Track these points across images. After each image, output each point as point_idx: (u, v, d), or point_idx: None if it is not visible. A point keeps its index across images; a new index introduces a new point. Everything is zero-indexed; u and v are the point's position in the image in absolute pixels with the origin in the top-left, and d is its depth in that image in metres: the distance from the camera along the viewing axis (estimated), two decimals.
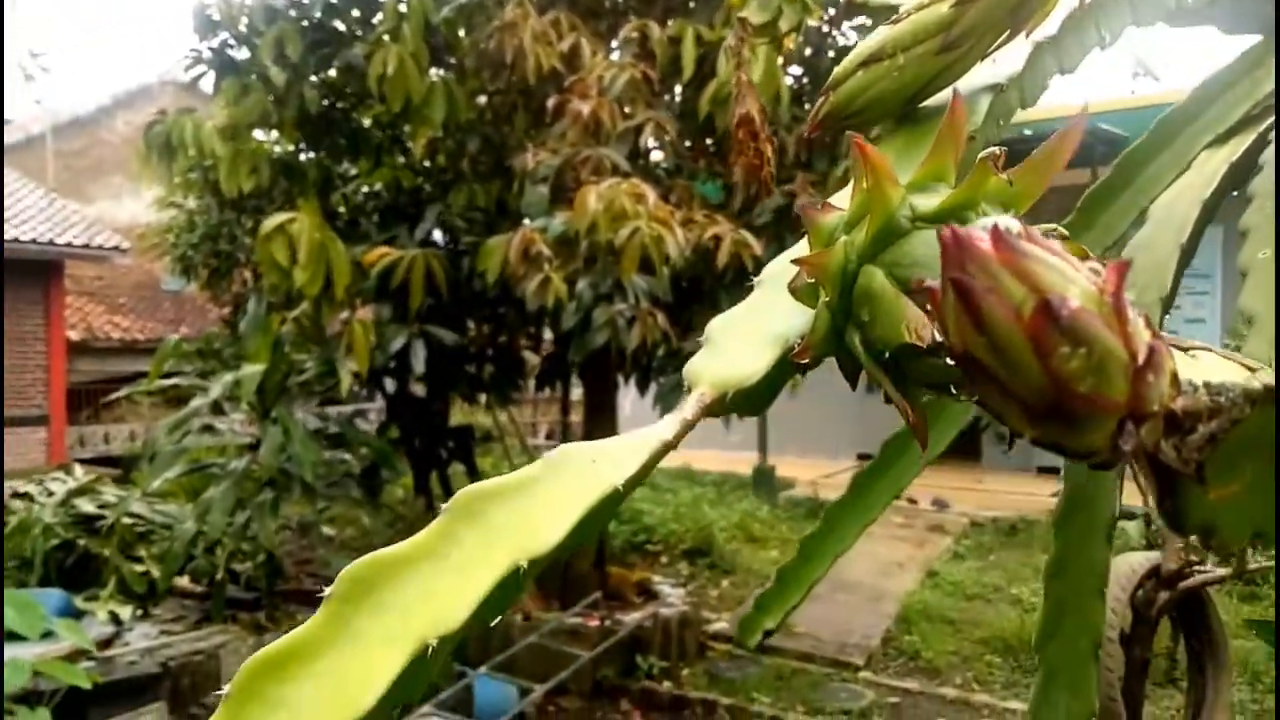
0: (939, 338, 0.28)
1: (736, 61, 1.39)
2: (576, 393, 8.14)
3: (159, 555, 5.73)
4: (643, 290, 4.15)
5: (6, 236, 10.98)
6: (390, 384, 6.59)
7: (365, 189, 6.39)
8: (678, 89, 5.25)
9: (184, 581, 5.98)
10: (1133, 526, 5.43)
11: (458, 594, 0.40)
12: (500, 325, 6.12)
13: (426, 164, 5.99)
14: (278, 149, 6.06)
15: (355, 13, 5.46)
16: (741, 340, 0.49)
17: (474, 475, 6.93)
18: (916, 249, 0.41)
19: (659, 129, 4.39)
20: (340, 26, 5.46)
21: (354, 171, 6.45)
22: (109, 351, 13.82)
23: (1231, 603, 6.09)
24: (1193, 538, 0.30)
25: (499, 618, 0.43)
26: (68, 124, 17.19)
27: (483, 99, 5.53)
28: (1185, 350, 0.28)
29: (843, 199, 0.49)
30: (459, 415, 8.55)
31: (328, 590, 0.41)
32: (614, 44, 5.14)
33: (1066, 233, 0.35)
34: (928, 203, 0.42)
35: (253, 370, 4.79)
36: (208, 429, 5.13)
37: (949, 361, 0.42)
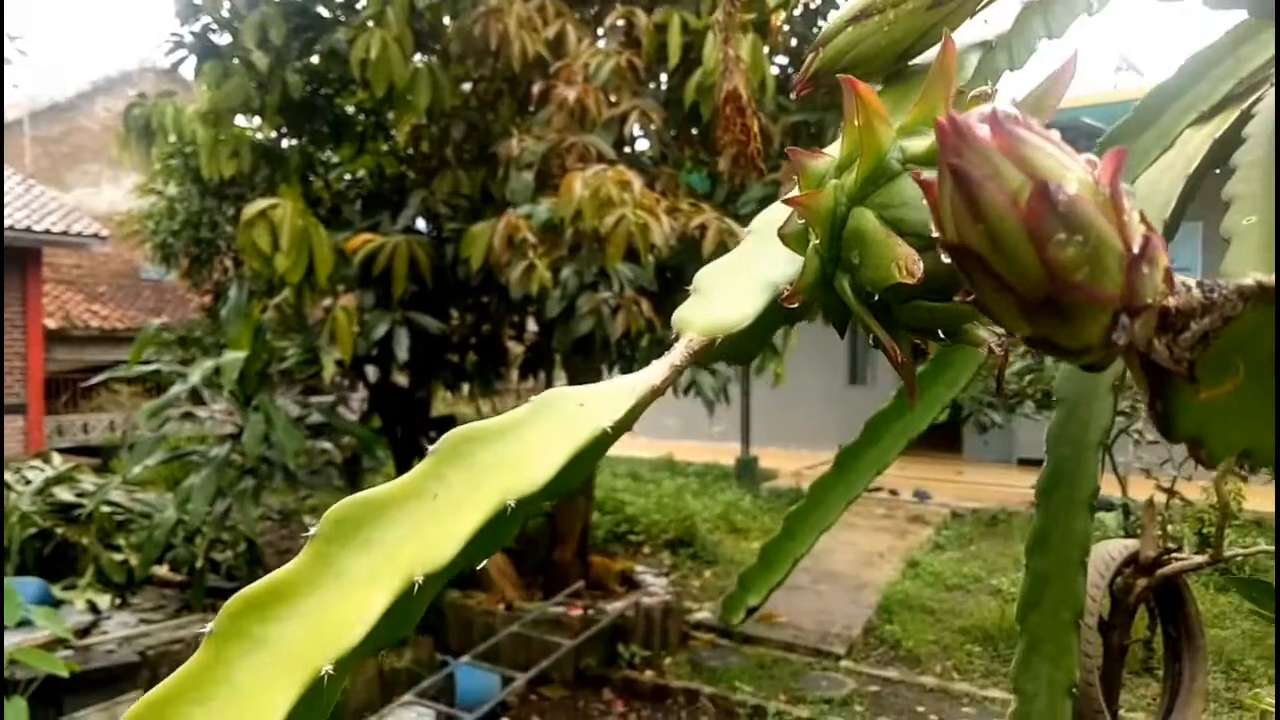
0: (935, 232, 0.28)
1: (724, 36, 1.38)
2: (560, 382, 8.13)
3: (138, 544, 5.68)
4: (627, 279, 4.14)
5: None
6: (373, 373, 6.55)
7: (348, 176, 6.34)
8: (663, 77, 5.24)
9: (163, 570, 5.93)
10: (1110, 518, 5.48)
11: (445, 532, 0.40)
12: (484, 314, 6.10)
13: (410, 151, 5.95)
14: (259, 135, 6.01)
15: None
16: (730, 288, 0.49)
17: None
18: (907, 190, 0.41)
19: (644, 117, 4.38)
20: (323, 11, 5.41)
21: (336, 159, 6.41)
22: (87, 340, 13.67)
23: (1208, 594, 6.16)
24: (1181, 444, 0.30)
25: (486, 559, 0.43)
26: (46, 110, 16.97)
27: (467, 86, 5.50)
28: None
29: (833, 150, 0.49)
30: (441, 406, 8.53)
31: (312, 530, 0.40)
32: (599, 31, 5.12)
33: None
34: (919, 145, 0.42)
35: (234, 357, 4.75)
36: (188, 416, 5.08)
37: (940, 302, 0.42)
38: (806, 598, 6.53)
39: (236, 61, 5.29)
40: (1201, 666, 1.97)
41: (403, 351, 4.87)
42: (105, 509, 5.96)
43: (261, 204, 4.53)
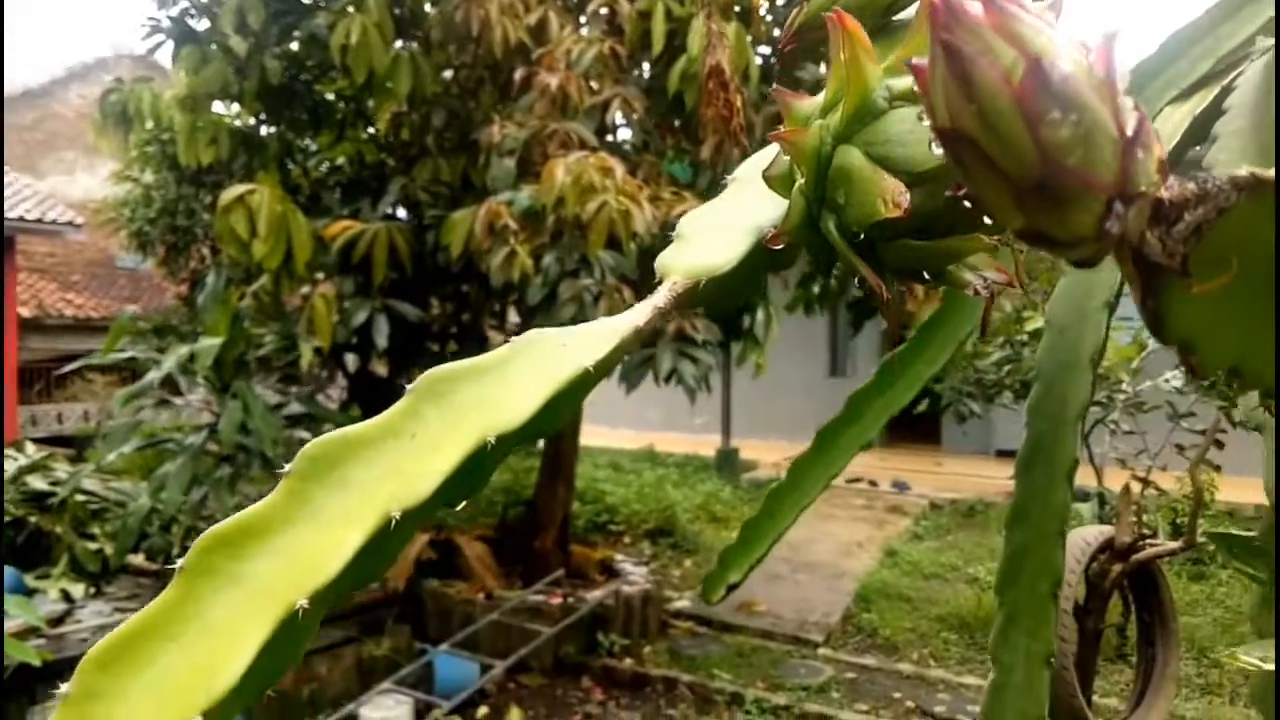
0: (928, 121, 0.27)
1: (708, 13, 1.38)
2: None
3: (112, 533, 5.63)
4: (609, 266, 4.13)
5: None
6: (352, 361, 6.51)
7: (327, 163, 6.29)
8: (646, 66, 5.22)
9: (139, 559, 5.88)
10: (1086, 507, 5.53)
11: (423, 469, 0.39)
12: (464, 302, 6.07)
13: (390, 138, 5.91)
14: (238, 122, 5.94)
15: None
16: (713, 232, 0.48)
17: None
18: (892, 127, 0.41)
19: (626, 105, 4.36)
20: None
21: (315, 146, 6.35)
22: (62, 329, 13.50)
23: (1180, 582, 6.24)
24: (1173, 347, 0.29)
25: (466, 499, 0.42)
26: (19, 96, 16.72)
27: (448, 73, 5.46)
28: None
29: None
30: None
31: (287, 468, 0.39)
32: (582, 18, 5.09)
33: None
34: (905, 82, 0.42)
35: (210, 343, 4.70)
36: (163, 403, 5.03)
37: (926, 240, 0.42)
38: (785, 587, 6.55)
39: (215, 47, 5.22)
40: (1174, 652, 2.00)
41: (382, 339, 4.84)
42: (79, 497, 5.89)
43: (239, 189, 4.49)
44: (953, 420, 9.73)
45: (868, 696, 5.14)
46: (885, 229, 0.41)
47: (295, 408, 5.43)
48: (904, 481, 9.63)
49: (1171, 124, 1.09)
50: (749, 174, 0.51)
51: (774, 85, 0.50)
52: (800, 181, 0.44)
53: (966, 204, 0.37)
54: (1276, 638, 0.60)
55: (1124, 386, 4.90)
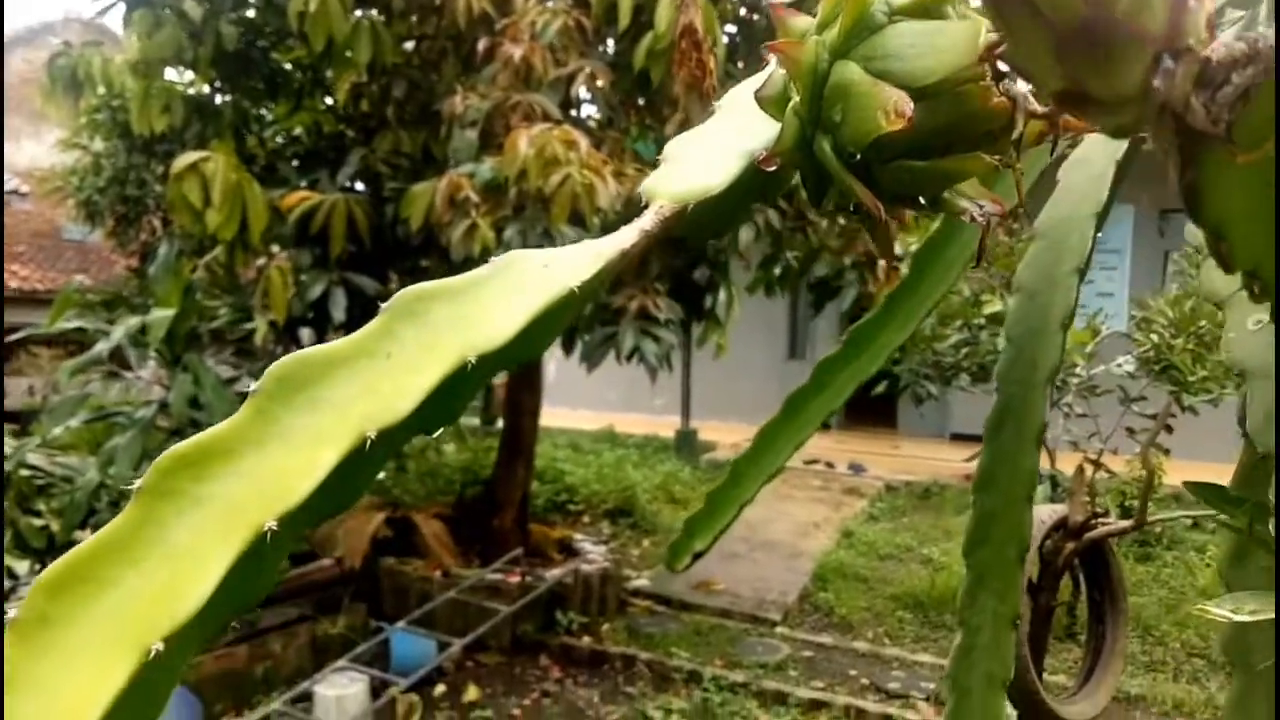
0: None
1: None
2: None
3: (59, 509, 5.49)
4: (572, 240, 4.09)
5: None
6: (307, 336, 6.40)
7: (284, 133, 6.15)
8: (611, 43, 5.17)
9: (86, 535, 5.74)
10: (1039, 490, 5.62)
11: (401, 388, 0.37)
12: (423, 277, 5.98)
13: (349, 109, 5.79)
14: (191, 90, 5.79)
15: None
16: (702, 155, 0.46)
17: None
18: (891, 41, 0.40)
19: (591, 78, 4.31)
20: None
21: (271, 116, 6.21)
22: (6, 302, 13.13)
23: (1128, 563, 6.38)
24: (1201, 234, 0.28)
25: (446, 425, 0.40)
26: None
27: (410, 44, 5.36)
28: None
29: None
30: None
31: (253, 387, 0.37)
32: None
33: None
34: None
35: (162, 315, 4.59)
36: (113, 376, 4.91)
37: (924, 161, 0.41)
38: (744, 566, 6.60)
39: (168, 11, 5.07)
40: (1123, 629, 2.04)
41: (340, 313, 4.76)
42: (24, 473, 5.73)
43: (193, 156, 4.37)
44: (909, 403, 9.85)
45: (824, 674, 5.20)
46: (882, 149, 0.40)
47: (248, 382, 5.33)
48: (860, 464, 9.74)
49: None
50: (735, 101, 0.50)
51: (739, 65, 0.48)
52: (794, 101, 0.43)
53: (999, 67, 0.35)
54: (1277, 622, 0.60)
55: (1078, 370, 4.98)
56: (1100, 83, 0.23)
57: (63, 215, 11.80)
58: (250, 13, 5.33)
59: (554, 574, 5.83)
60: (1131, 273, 8.23)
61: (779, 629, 5.80)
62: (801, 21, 0.44)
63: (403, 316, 0.39)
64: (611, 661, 5.42)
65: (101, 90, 5.83)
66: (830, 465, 9.68)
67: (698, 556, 1.50)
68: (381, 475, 4.27)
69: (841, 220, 4.90)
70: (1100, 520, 2.03)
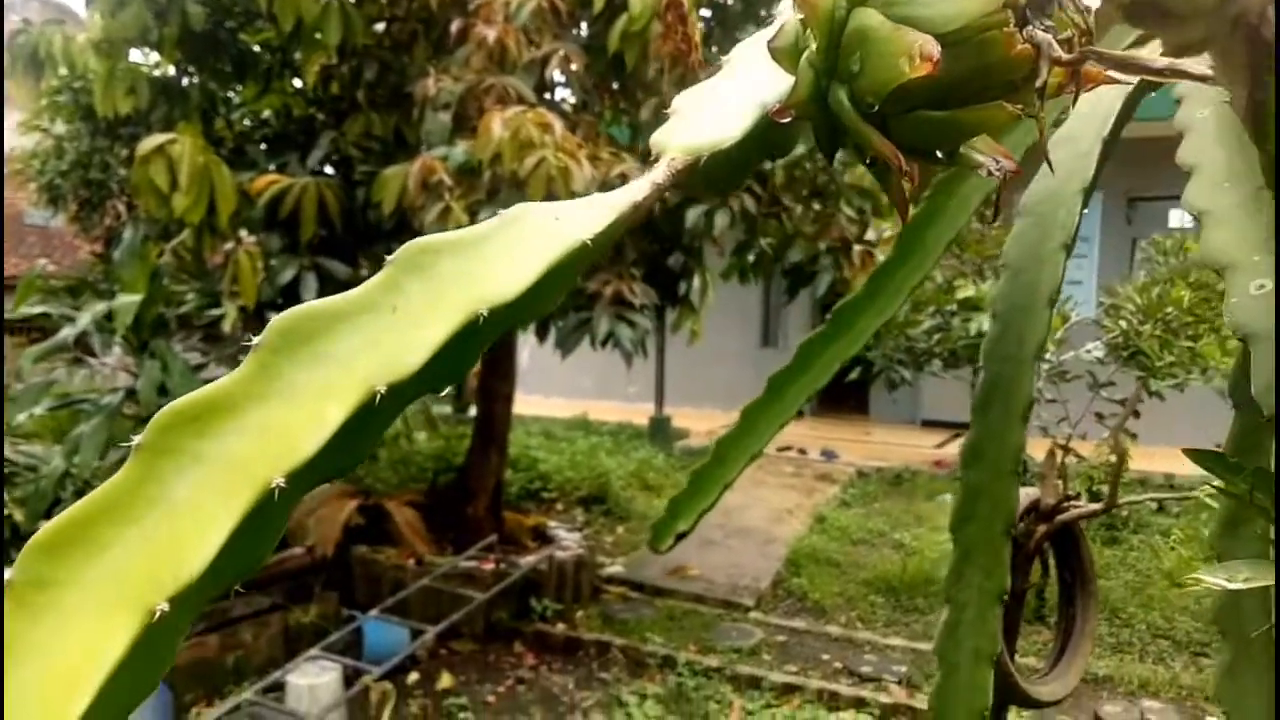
0: None
1: None
2: None
3: (23, 498, 5.38)
4: None
5: None
6: None
7: (252, 116, 6.05)
8: (585, 26, 5.13)
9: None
10: None
11: (410, 342, 0.36)
12: None
13: (319, 92, 5.71)
14: (157, 71, 5.67)
15: None
16: (713, 108, 0.45)
17: None
18: None
19: (566, 61, 4.28)
20: None
21: (239, 99, 6.10)
22: None
23: (1095, 547, 6.48)
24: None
25: (453, 383, 0.39)
26: None
27: (381, 25, 5.29)
28: None
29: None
30: None
31: (255, 340, 0.36)
32: None
33: None
34: None
35: (129, 300, 4.50)
36: (78, 362, 4.82)
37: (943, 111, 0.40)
38: (717, 552, 6.62)
39: None
40: (1093, 611, 2.06)
41: (311, 297, 4.69)
42: None
43: (159, 138, 4.29)
44: (880, 390, 9.92)
45: (797, 658, 5.24)
46: (901, 99, 0.39)
47: (217, 369, 5.26)
48: (832, 450, 9.79)
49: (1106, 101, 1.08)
50: (744, 55, 0.48)
51: (713, 49, 0.47)
52: (809, 52, 0.42)
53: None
54: (1276, 625, 0.60)
55: (1048, 356, 5.04)
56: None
57: (24, 200, 11.56)
58: None
59: (528, 561, 5.82)
60: (1100, 260, 8.34)
61: (753, 614, 5.83)
62: None
63: (408, 270, 0.38)
64: (586, 648, 5.42)
65: (63, 71, 5.70)
66: (803, 452, 9.73)
67: (681, 536, 1.49)
68: None
69: (816, 206, 4.91)
70: (1071, 503, 2.06)
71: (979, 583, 1.06)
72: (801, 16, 0.41)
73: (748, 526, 7.15)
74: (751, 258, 5.64)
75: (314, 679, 4.51)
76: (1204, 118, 0.75)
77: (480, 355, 0.40)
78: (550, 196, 3.70)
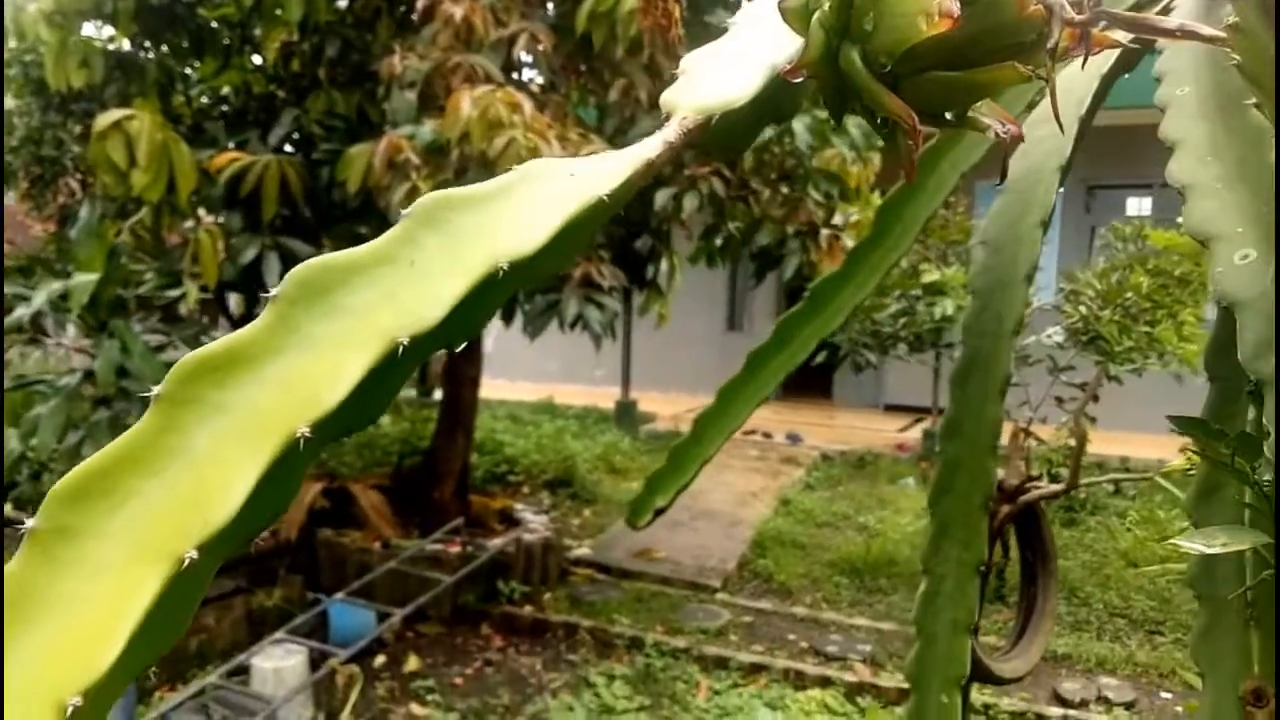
0: None
1: None
2: None
3: None
4: None
5: None
6: (238, 306, 6.22)
7: (210, 92, 5.94)
8: (552, 5, 5.09)
9: (6, 509, 5.53)
10: None
11: (429, 295, 0.36)
12: (359, 245, 5.85)
13: (279, 69, 5.61)
14: (111, 45, 5.53)
15: None
16: (723, 68, 0.45)
17: None
18: None
19: (533, 40, 4.24)
20: None
21: (197, 75, 5.98)
22: None
23: (1054, 528, 6.62)
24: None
25: (468, 339, 0.39)
26: None
27: (344, 2, 5.21)
28: None
29: None
30: None
31: (273, 292, 0.35)
32: None
33: None
34: None
35: (85, 279, 4.40)
36: (33, 342, 4.71)
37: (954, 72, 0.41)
38: (684, 534, 6.66)
39: None
40: (1053, 589, 2.11)
41: (274, 277, 4.62)
42: None
43: (116, 114, 4.19)
44: (845, 375, 10.01)
45: (763, 638, 5.29)
46: (914, 59, 0.39)
47: (178, 349, 5.16)
48: (797, 433, 9.88)
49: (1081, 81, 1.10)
50: (750, 16, 0.49)
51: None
52: (820, 12, 0.42)
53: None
54: (1277, 590, 0.62)
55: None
56: None
57: None
58: None
59: (495, 544, 5.81)
60: (1060, 246, 8.47)
61: (719, 595, 5.88)
62: None
63: (425, 224, 0.38)
64: (554, 630, 5.43)
65: (13, 43, 5.56)
66: (768, 435, 9.80)
67: (659, 513, 1.50)
68: None
69: (784, 189, 4.93)
70: (1034, 484, 2.10)
71: (957, 555, 1.08)
72: None
73: (714, 509, 7.19)
74: (719, 241, 5.65)
75: (279, 662, 4.48)
76: (1185, 94, 0.76)
77: (495, 312, 0.40)
78: None
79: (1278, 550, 0.54)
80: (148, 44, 5.51)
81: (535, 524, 6.33)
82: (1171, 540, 0.75)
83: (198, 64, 5.79)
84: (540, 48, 4.28)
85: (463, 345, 0.39)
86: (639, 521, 1.47)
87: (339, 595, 5.14)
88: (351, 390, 0.34)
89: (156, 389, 0.33)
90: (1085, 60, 0.41)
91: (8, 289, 4.98)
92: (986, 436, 1.07)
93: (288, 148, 5.28)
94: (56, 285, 4.41)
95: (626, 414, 10.24)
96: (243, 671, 4.40)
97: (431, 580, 5.32)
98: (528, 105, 3.65)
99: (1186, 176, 0.68)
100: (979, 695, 4.48)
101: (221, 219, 4.97)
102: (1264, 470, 0.65)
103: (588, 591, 5.90)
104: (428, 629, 5.46)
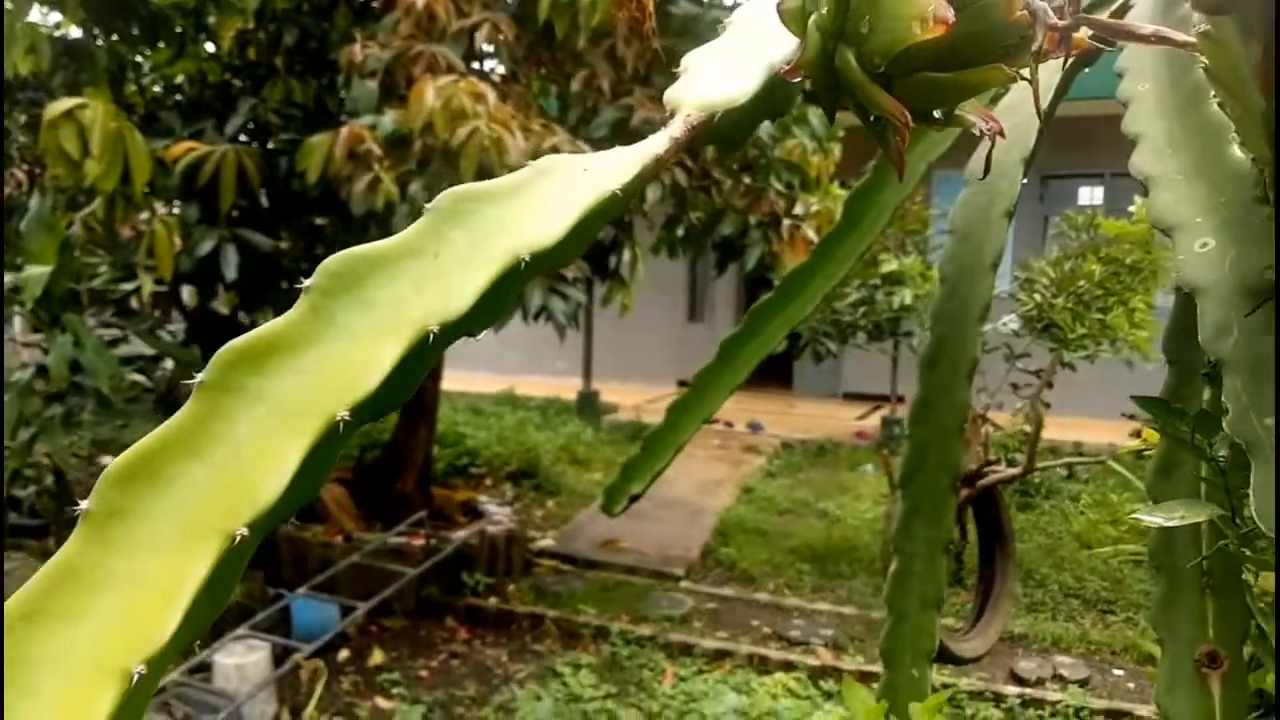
0: None
1: None
2: None
3: None
4: None
5: None
6: (192, 299, 6.12)
7: (164, 81, 5.83)
8: None
9: None
10: None
11: (455, 286, 0.37)
12: (318, 237, 5.79)
13: (235, 58, 5.52)
14: (59, 32, 5.40)
15: None
16: (724, 67, 0.47)
17: None
18: None
19: (495, 30, 4.23)
20: None
21: (149, 64, 5.86)
22: None
23: (1010, 512, 6.77)
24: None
25: (489, 325, 0.41)
26: None
27: None
28: None
29: None
30: None
31: (306, 283, 0.37)
32: None
33: None
34: None
35: (37, 272, 4.31)
36: None
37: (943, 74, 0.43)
38: (648, 524, 6.69)
39: None
40: (1011, 569, 2.18)
41: (231, 270, 4.57)
42: None
43: (67, 103, 4.10)
44: (805, 364, 10.12)
45: (727, 625, 5.35)
46: (907, 61, 0.42)
47: (128, 347, 5.07)
48: (758, 422, 9.96)
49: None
50: (748, 17, 0.51)
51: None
52: (816, 15, 0.44)
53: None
54: (1277, 650, 0.66)
55: None
56: None
57: None
58: None
59: (459, 536, 5.80)
60: (1014, 235, 8.64)
61: (683, 583, 5.93)
62: None
63: (448, 218, 0.40)
64: (519, 621, 5.44)
65: None
66: (730, 424, 9.87)
67: (635, 499, 1.52)
68: None
69: (746, 180, 4.96)
70: (992, 468, 2.16)
71: (925, 534, 1.12)
72: None
73: (677, 498, 7.24)
74: (681, 231, 5.68)
75: (241, 658, 4.44)
76: (1146, 90, 0.80)
77: (513, 300, 0.42)
78: (484, 167, 3.67)
79: (1232, 521, 0.58)
80: (98, 30, 5.39)
81: (499, 516, 6.33)
82: (1133, 514, 0.79)
83: (150, 52, 5.67)
84: (502, 37, 4.27)
85: (482, 331, 0.41)
86: (615, 508, 1.49)
87: (301, 590, 5.10)
88: (386, 376, 0.35)
89: (200, 376, 0.35)
90: (1066, 61, 0.44)
91: None
92: (954, 420, 1.11)
93: (243, 138, 5.20)
94: (8, 278, 4.31)
95: (589, 405, 10.26)
96: (205, 668, 4.36)
97: (395, 573, 5.30)
98: (491, 96, 3.64)
99: (1149, 168, 0.72)
100: (938, 676, 4.58)
101: (177, 210, 4.90)
102: (1220, 446, 0.69)
103: (552, 582, 5.92)
104: (392, 622, 5.44)
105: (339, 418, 0.34)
